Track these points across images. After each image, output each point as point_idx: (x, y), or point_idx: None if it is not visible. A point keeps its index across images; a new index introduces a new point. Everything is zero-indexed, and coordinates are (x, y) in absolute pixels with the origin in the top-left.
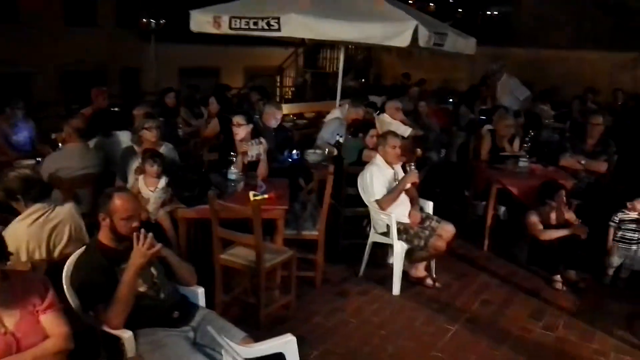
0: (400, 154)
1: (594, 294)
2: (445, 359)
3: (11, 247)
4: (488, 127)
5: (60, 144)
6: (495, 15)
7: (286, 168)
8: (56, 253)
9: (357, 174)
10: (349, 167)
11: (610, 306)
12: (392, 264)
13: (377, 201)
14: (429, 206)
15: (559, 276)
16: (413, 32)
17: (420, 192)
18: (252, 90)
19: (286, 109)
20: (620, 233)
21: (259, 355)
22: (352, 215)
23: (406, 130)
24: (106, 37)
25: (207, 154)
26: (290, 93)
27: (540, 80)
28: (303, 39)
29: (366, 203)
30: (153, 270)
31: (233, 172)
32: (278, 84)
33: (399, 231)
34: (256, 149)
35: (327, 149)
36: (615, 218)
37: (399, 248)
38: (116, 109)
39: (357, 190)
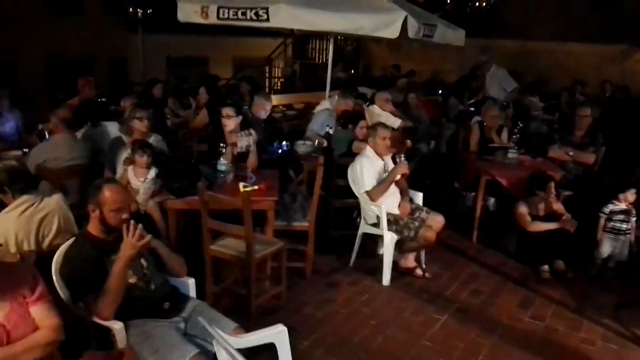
0: (390, 146)
1: (582, 284)
2: (435, 349)
3: (0, 239)
4: (477, 118)
5: (47, 135)
6: (484, 6)
7: (276, 159)
8: (45, 244)
9: (347, 165)
10: (338, 158)
11: (597, 296)
12: (382, 255)
13: (367, 192)
14: (418, 197)
15: (546, 266)
16: (402, 23)
17: (410, 183)
18: (242, 81)
19: (275, 100)
20: (610, 224)
21: (250, 345)
22: (342, 207)
23: (396, 122)
24: (93, 26)
25: (196, 145)
26: (279, 84)
27: (527, 71)
28: (292, 30)
29: (356, 194)
30: (143, 261)
31: (222, 164)
32: (267, 75)
33: (389, 222)
34: (245, 140)
35: (316, 140)
36: (606, 209)
37: (389, 239)
38: (103, 100)
39: (347, 182)
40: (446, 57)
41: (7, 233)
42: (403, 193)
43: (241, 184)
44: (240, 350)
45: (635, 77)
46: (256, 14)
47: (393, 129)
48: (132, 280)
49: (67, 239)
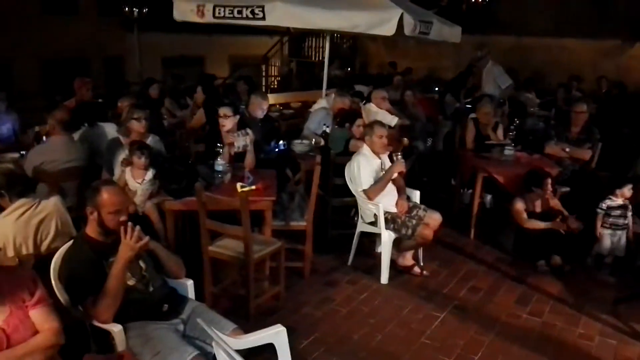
0: (387, 144)
1: (579, 280)
2: (434, 346)
3: None
4: (472, 115)
5: (44, 137)
6: (480, 3)
7: (273, 159)
8: (43, 247)
9: (344, 164)
10: (336, 157)
11: (595, 291)
12: (380, 253)
13: (364, 191)
14: (416, 195)
15: (543, 261)
16: (398, 20)
17: (407, 181)
18: (239, 80)
19: (272, 98)
20: (610, 220)
21: (249, 346)
22: (339, 205)
23: (392, 120)
24: (88, 26)
25: (193, 145)
26: (275, 83)
27: (523, 67)
28: (288, 28)
29: (354, 193)
30: (141, 263)
31: (220, 164)
32: (263, 74)
33: (386, 220)
34: (242, 140)
35: (313, 139)
36: (603, 205)
37: (387, 237)
38: (100, 101)
39: (345, 181)
40: (442, 54)
41: (5, 237)
42: (400, 191)
43: (239, 184)
44: (239, 351)
45: (630, 73)
46: (252, 12)
47: (390, 127)
48: (130, 282)
49: (66, 242)
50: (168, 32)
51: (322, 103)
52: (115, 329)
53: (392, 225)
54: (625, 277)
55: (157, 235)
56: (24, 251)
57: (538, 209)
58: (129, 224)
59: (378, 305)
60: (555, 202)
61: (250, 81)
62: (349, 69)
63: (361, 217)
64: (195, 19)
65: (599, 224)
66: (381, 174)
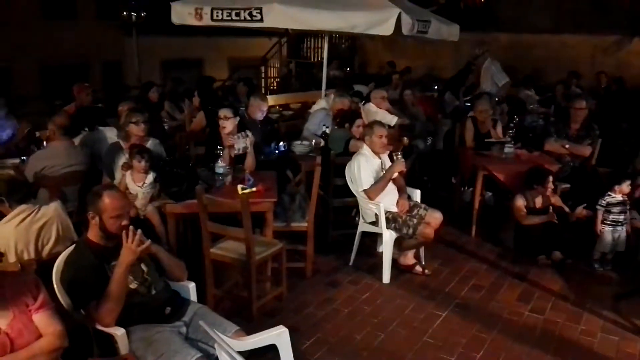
0: (387, 143)
1: (581, 276)
2: (437, 345)
3: (0, 248)
4: (470, 114)
5: (44, 142)
6: (478, 0)
7: (273, 160)
8: (45, 253)
9: (344, 164)
10: (336, 157)
11: (596, 288)
12: (381, 253)
13: (365, 191)
14: (416, 194)
15: (543, 256)
16: (396, 20)
17: (407, 180)
18: (239, 82)
19: (272, 100)
20: (611, 217)
21: (252, 348)
22: (340, 206)
23: (392, 120)
24: (87, 30)
25: (193, 148)
26: (275, 84)
27: (522, 64)
28: (286, 29)
29: (354, 193)
30: (143, 266)
31: (220, 166)
32: (262, 75)
33: (387, 220)
34: (243, 142)
35: (313, 140)
36: (603, 201)
37: (388, 237)
38: (100, 105)
39: (345, 181)
40: (441, 52)
41: (6, 243)
42: (401, 190)
43: (239, 186)
44: (242, 353)
45: (630, 68)
46: (250, 14)
47: (389, 126)
48: (133, 285)
49: (67, 247)
50: (167, 35)
51: (321, 104)
52: (118, 332)
53: (393, 225)
54: (626, 273)
55: (158, 239)
56: (26, 256)
57: (539, 206)
58: (131, 227)
59: (380, 305)
60: (556, 199)
61: (249, 83)
62: (347, 69)
63: (362, 217)
64: (194, 22)
65: (599, 220)
66: (381, 173)
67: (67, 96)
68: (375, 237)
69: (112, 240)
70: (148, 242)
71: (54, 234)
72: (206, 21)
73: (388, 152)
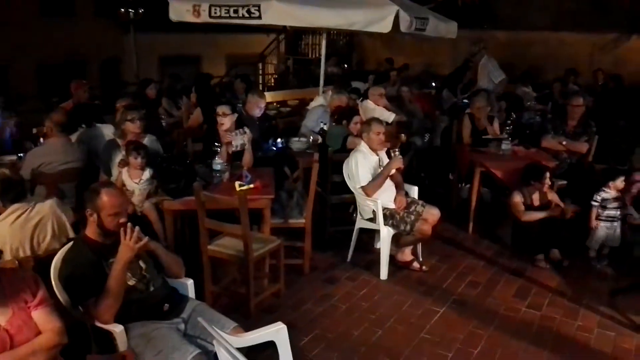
0: (384, 140)
1: (577, 272)
2: (434, 341)
3: None
4: (467, 110)
5: (41, 139)
6: None
7: (271, 157)
8: (41, 250)
9: (342, 161)
10: (333, 154)
11: (593, 283)
12: (379, 249)
13: (362, 187)
14: (414, 191)
15: (542, 255)
16: (394, 17)
17: (405, 177)
18: (236, 79)
19: (269, 96)
20: (606, 212)
21: (250, 344)
22: (338, 202)
23: (390, 116)
24: (84, 27)
25: (191, 144)
26: (272, 80)
27: (520, 61)
28: (284, 26)
29: (352, 190)
30: (141, 263)
31: (218, 163)
32: (260, 72)
33: (385, 217)
34: (240, 139)
35: (311, 137)
36: (598, 197)
37: (386, 233)
38: (97, 102)
39: (343, 178)
40: (439, 49)
41: (2, 241)
42: (398, 187)
43: (237, 183)
44: (240, 349)
45: (627, 66)
46: (248, 11)
47: (387, 123)
48: (131, 282)
49: (62, 244)
50: (164, 32)
51: (319, 100)
52: (117, 329)
53: (390, 221)
54: (623, 268)
55: (156, 235)
56: (21, 254)
57: (536, 203)
58: (129, 224)
59: (378, 301)
60: (553, 196)
61: (247, 79)
62: (345, 65)
63: (360, 213)
64: (192, 19)
65: (593, 216)
66: (379, 170)
67: (64, 93)
68: (373, 234)
69: (110, 237)
70: (146, 239)
71: (49, 232)
72: (204, 18)
73: (386, 148)
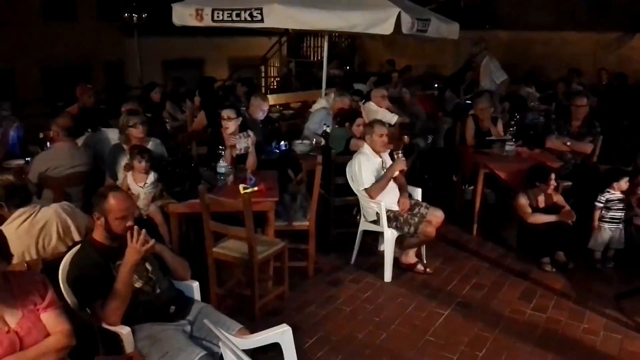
0: (387, 142)
1: (583, 274)
2: (439, 343)
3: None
4: (471, 111)
5: (48, 143)
6: None
7: (274, 160)
8: (47, 254)
9: (345, 163)
10: (337, 156)
11: (598, 286)
12: (383, 252)
13: (366, 190)
14: (417, 193)
15: (547, 258)
16: (396, 19)
17: (408, 179)
18: (238, 83)
19: (272, 99)
20: (610, 214)
21: (255, 346)
22: (341, 205)
23: (393, 118)
24: (88, 31)
25: (195, 148)
26: (275, 83)
27: (523, 62)
28: (286, 28)
29: (355, 192)
30: (148, 265)
31: (222, 166)
32: (263, 75)
33: (388, 219)
34: (244, 142)
35: (314, 139)
36: (602, 198)
37: (390, 235)
38: (102, 106)
39: (346, 180)
40: (441, 50)
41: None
42: (402, 189)
43: (241, 186)
44: (245, 351)
45: (631, 64)
46: (250, 15)
47: (390, 125)
48: (137, 284)
49: (68, 247)
50: (167, 35)
51: (322, 103)
52: (124, 331)
53: (394, 224)
54: (628, 270)
55: (161, 238)
56: (27, 258)
57: (542, 205)
58: (135, 227)
59: (382, 304)
60: (558, 198)
61: (248, 83)
62: (347, 67)
63: (363, 215)
64: (195, 23)
65: (596, 217)
66: (382, 172)
67: (69, 97)
68: (377, 236)
69: (117, 240)
70: (152, 241)
71: (54, 236)
72: (207, 22)
73: (389, 150)
